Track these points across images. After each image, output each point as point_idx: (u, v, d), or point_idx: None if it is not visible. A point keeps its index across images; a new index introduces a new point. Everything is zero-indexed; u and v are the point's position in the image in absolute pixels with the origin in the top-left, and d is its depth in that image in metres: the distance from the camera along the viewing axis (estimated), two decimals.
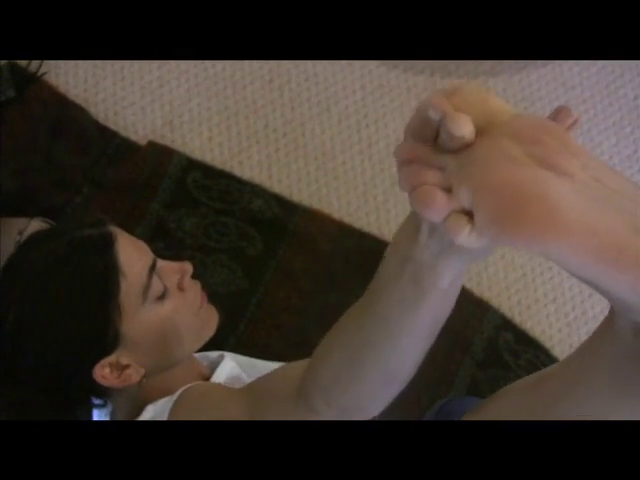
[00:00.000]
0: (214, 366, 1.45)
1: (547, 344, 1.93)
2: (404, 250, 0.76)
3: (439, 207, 0.61)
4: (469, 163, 0.62)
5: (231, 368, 1.44)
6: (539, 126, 0.63)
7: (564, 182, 0.60)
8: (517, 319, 1.95)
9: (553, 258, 0.60)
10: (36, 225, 1.59)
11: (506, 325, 1.94)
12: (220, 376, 1.41)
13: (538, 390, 0.87)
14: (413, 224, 0.74)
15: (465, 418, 0.99)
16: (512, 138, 0.62)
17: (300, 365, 0.99)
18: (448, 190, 0.62)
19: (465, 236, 0.61)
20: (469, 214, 0.61)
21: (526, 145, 0.62)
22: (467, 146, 0.63)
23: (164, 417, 1.20)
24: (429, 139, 0.65)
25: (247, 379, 1.41)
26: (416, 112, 0.65)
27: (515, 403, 0.90)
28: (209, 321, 1.42)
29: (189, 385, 1.24)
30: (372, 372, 0.86)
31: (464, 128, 0.63)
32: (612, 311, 0.75)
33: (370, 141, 2.04)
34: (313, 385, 0.93)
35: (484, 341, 1.90)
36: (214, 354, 1.52)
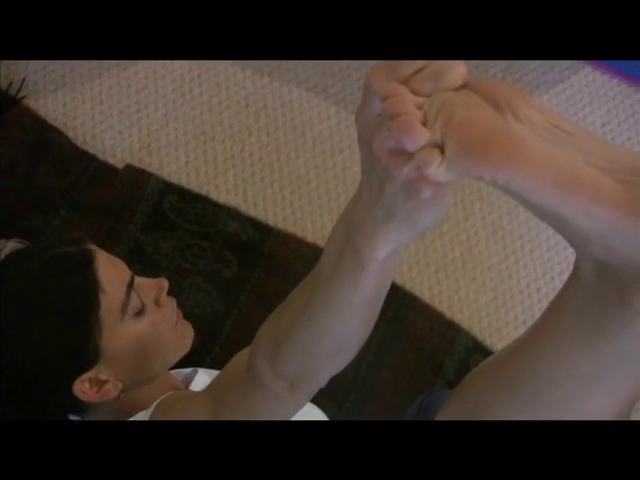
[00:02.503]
0: (188, 381, 1.47)
1: None
2: (350, 216, 0.79)
3: (417, 135, 0.65)
4: (443, 103, 0.67)
5: (205, 382, 1.45)
6: (498, 84, 0.70)
7: (524, 124, 0.67)
8: (488, 341, 1.97)
9: (515, 187, 0.65)
10: (12, 246, 1.59)
11: (477, 347, 1.95)
12: (194, 390, 1.42)
13: (512, 362, 0.88)
14: (362, 190, 0.77)
15: (444, 407, 1.00)
16: (476, 92, 0.69)
17: (245, 349, 1.04)
18: (423, 124, 0.66)
19: (435, 167, 0.65)
20: (440, 148, 0.65)
21: (488, 97, 0.68)
22: (441, 91, 0.69)
23: None
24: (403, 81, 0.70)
25: None
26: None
27: (491, 381, 0.91)
28: (185, 336, 1.44)
29: (162, 397, 1.25)
30: (317, 344, 0.90)
31: (458, 70, 0.69)
32: (575, 264, 0.78)
33: (344, 165, 2.06)
34: (259, 359, 0.96)
35: (455, 363, 1.91)
36: (187, 370, 1.53)
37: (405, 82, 0.70)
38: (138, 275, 1.38)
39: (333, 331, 0.88)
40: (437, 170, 0.65)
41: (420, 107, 0.68)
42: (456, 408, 0.97)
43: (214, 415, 1.06)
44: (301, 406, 1.02)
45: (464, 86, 0.70)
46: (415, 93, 0.69)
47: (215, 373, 1.48)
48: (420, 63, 0.70)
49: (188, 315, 1.49)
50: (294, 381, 0.96)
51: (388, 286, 0.86)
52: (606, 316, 0.76)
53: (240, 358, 1.05)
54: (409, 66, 0.70)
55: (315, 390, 0.99)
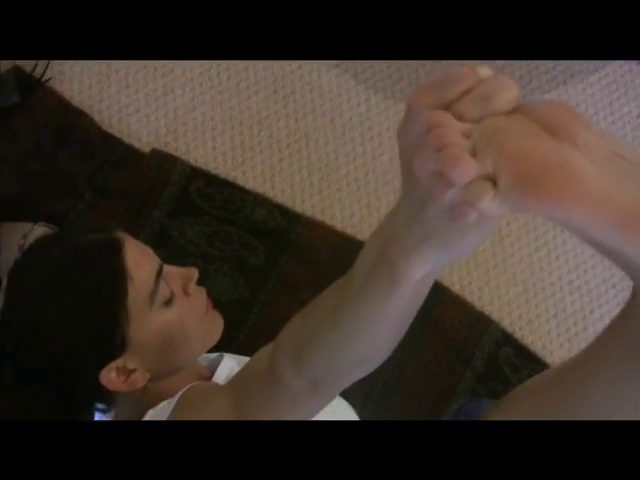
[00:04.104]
0: (214, 366, 1.45)
1: (548, 359, 1.93)
2: (387, 231, 0.76)
3: (466, 168, 0.61)
4: (493, 132, 0.63)
5: (231, 368, 1.44)
6: (552, 107, 0.64)
7: (583, 154, 0.62)
8: (518, 334, 1.95)
9: (573, 224, 0.61)
10: (40, 230, 1.59)
11: (507, 340, 1.93)
12: (220, 376, 1.41)
13: (562, 382, 0.86)
14: (402, 208, 0.74)
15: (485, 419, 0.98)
16: (528, 116, 0.64)
17: (269, 345, 1.01)
18: (472, 155, 0.62)
19: (488, 201, 0.61)
20: (492, 180, 0.61)
21: (542, 123, 0.63)
22: (490, 116, 0.64)
23: (164, 419, 1.20)
24: (445, 107, 0.66)
25: None
26: (444, 77, 0.66)
27: (538, 399, 0.90)
28: (214, 327, 1.42)
29: (187, 387, 1.24)
30: (342, 352, 0.87)
31: (510, 93, 0.64)
32: (633, 291, 0.75)
33: (374, 153, 2.04)
34: (282, 358, 0.94)
35: (485, 355, 1.89)
36: (213, 355, 1.51)
37: (450, 105, 0.65)
38: (164, 261, 1.36)
39: (360, 341, 0.86)
40: (489, 204, 0.62)
41: (467, 136, 0.63)
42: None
43: (235, 410, 1.04)
44: (323, 407, 1.00)
45: (515, 110, 0.65)
46: (461, 118, 0.64)
47: (242, 359, 1.49)
48: (467, 80, 0.64)
49: (214, 302, 1.46)
50: (316, 383, 0.94)
51: (421, 303, 0.83)
52: None
53: (263, 354, 1.03)
54: (455, 87, 0.65)
55: (337, 393, 0.98)
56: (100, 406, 1.36)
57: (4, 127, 1.89)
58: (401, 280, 0.75)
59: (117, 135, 1.99)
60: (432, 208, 0.68)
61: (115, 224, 1.34)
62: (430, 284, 0.81)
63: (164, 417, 1.20)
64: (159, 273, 1.31)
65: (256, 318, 1.87)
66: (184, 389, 1.23)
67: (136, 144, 2.00)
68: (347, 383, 0.93)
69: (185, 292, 1.36)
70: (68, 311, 1.25)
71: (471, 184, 0.62)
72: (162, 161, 1.97)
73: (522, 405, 0.92)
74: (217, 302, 1.46)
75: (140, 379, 1.30)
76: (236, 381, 1.11)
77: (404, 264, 0.74)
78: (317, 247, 1.93)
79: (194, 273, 1.38)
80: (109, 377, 1.27)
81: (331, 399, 0.99)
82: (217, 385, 1.28)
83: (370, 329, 0.83)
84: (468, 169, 0.61)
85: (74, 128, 1.95)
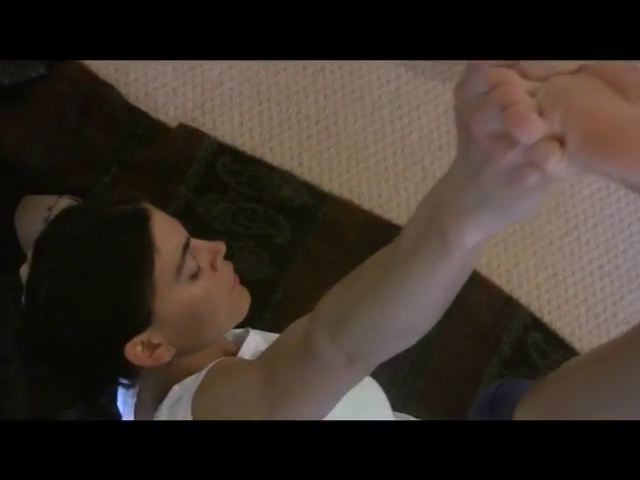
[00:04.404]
0: (239, 342, 1.43)
1: (576, 345, 1.91)
2: (438, 197, 0.73)
3: (534, 127, 0.58)
4: (561, 90, 0.60)
5: (257, 343, 1.41)
6: (621, 67, 0.62)
7: None
8: (546, 319, 1.93)
9: None
10: (65, 202, 1.56)
11: (535, 324, 1.92)
12: (246, 352, 1.39)
13: (607, 362, 0.84)
14: (455, 172, 0.71)
15: (526, 401, 0.96)
16: (595, 76, 0.62)
17: (306, 318, 0.99)
18: (539, 115, 0.59)
19: (556, 162, 0.59)
20: (559, 141, 0.59)
21: (611, 82, 0.61)
22: (556, 75, 0.62)
23: (190, 394, 1.18)
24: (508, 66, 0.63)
25: None
26: None
27: (581, 380, 0.87)
28: (241, 302, 1.40)
29: (214, 362, 1.22)
30: (384, 325, 0.85)
31: None
32: None
33: (403, 132, 2.01)
34: (319, 331, 0.92)
35: (513, 339, 1.88)
36: (239, 330, 1.49)
37: (515, 64, 0.63)
38: None
39: (403, 313, 0.83)
40: (557, 165, 0.59)
41: (533, 95, 0.61)
42: (540, 403, 0.93)
43: (266, 384, 1.03)
44: (357, 382, 0.98)
45: (581, 69, 0.62)
46: (525, 77, 0.62)
47: (268, 335, 1.47)
48: None
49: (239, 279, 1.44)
50: (353, 357, 0.91)
51: (469, 273, 0.80)
52: None
53: (297, 327, 1.01)
54: None
55: (373, 367, 0.95)
56: (124, 381, 1.35)
57: (30, 99, 1.87)
58: (453, 248, 0.73)
59: (144, 109, 1.97)
60: (490, 171, 0.65)
61: (142, 195, 1.32)
62: (479, 253, 0.78)
63: (190, 392, 1.18)
64: (186, 246, 1.29)
65: (281, 297, 1.85)
66: (211, 364, 1.21)
67: (163, 118, 1.97)
68: (385, 357, 0.91)
69: (212, 266, 1.34)
70: (93, 283, 1.23)
71: (538, 144, 0.59)
72: (189, 136, 1.95)
73: (566, 384, 0.90)
74: (242, 280, 1.44)
75: (165, 354, 1.28)
76: (267, 355, 1.09)
77: (457, 231, 0.71)
78: (344, 226, 1.91)
79: (221, 247, 1.36)
80: (134, 351, 1.25)
81: (366, 374, 0.97)
82: (246, 360, 1.26)
83: (415, 300, 0.81)
84: (536, 128, 0.58)
85: (100, 101, 1.93)
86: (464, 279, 0.80)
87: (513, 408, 0.98)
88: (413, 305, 0.82)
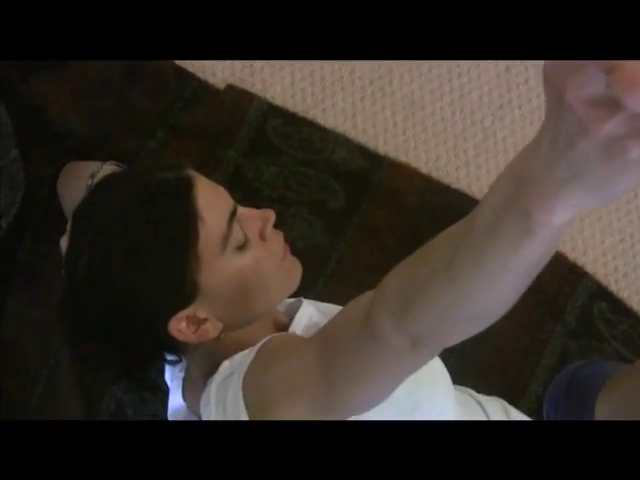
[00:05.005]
0: (292, 312, 1.38)
1: None
2: (520, 173, 0.67)
3: None
4: None
5: (310, 314, 1.36)
6: None
7: None
8: (613, 287, 1.87)
9: None
10: (109, 169, 1.52)
11: (601, 293, 1.85)
12: (299, 324, 1.33)
13: None
14: (542, 145, 0.64)
15: (616, 383, 0.89)
16: None
17: (368, 295, 0.93)
18: None
19: None
20: None
21: None
22: None
23: (242, 371, 1.13)
24: None
25: None
26: None
27: None
28: (292, 273, 1.34)
29: (267, 338, 1.17)
30: (457, 308, 0.80)
31: None
32: None
33: (462, 91, 1.96)
34: (383, 313, 0.87)
35: (577, 309, 1.82)
36: (290, 300, 1.44)
37: None
38: (238, 204, 1.28)
39: (478, 296, 0.77)
40: None
41: None
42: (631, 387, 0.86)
43: (323, 362, 0.98)
44: (422, 365, 0.93)
45: None
46: None
47: (322, 305, 1.42)
48: None
49: (290, 248, 1.38)
50: (420, 341, 0.86)
51: (552, 254, 0.73)
52: None
53: (358, 305, 0.95)
54: None
55: (439, 351, 0.90)
56: (169, 357, 1.31)
57: (72, 63, 1.82)
58: (537, 229, 0.66)
59: (190, 70, 1.92)
60: (585, 144, 0.58)
61: (186, 162, 1.26)
62: (563, 233, 0.71)
63: (242, 370, 1.13)
64: (233, 215, 1.23)
65: (335, 265, 1.82)
66: (264, 339, 1.16)
67: (210, 80, 1.93)
68: (454, 342, 0.86)
69: (261, 236, 1.28)
70: (134, 254, 1.17)
71: None
72: (238, 98, 1.91)
73: None
74: (294, 248, 1.40)
75: (212, 329, 1.22)
76: (325, 335, 1.03)
77: (543, 210, 0.65)
78: (400, 191, 1.87)
79: (270, 215, 1.30)
80: (179, 327, 1.19)
81: (432, 357, 0.91)
82: (301, 337, 1.20)
83: (493, 283, 0.75)
84: None
85: (145, 63, 1.88)
86: (547, 260, 0.73)
87: (593, 396, 0.91)
88: (490, 288, 0.76)
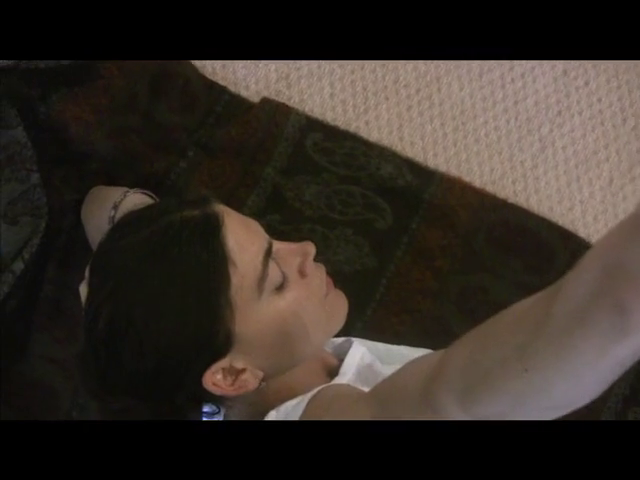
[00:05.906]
0: (341, 353, 1.31)
1: None
2: (618, 256, 0.62)
3: None
4: None
5: (362, 355, 1.29)
6: None
7: None
8: None
9: None
10: (134, 198, 1.47)
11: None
12: (350, 366, 1.26)
13: None
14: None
15: None
16: None
17: (429, 361, 0.90)
18: None
19: None
20: None
21: None
22: None
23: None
24: None
25: (381, 366, 1.30)
26: None
27: None
28: (337, 310, 1.26)
29: (318, 389, 1.12)
30: (531, 399, 0.76)
31: None
32: None
33: (516, 98, 1.93)
34: (444, 392, 0.84)
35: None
36: (339, 339, 1.37)
37: None
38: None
39: (558, 389, 0.73)
40: None
41: None
42: None
43: None
44: None
45: None
46: None
47: (373, 345, 1.38)
48: None
49: (336, 273, 1.31)
50: (484, 418, 0.82)
51: None
52: None
53: (418, 370, 0.91)
54: None
55: None
56: (207, 409, 1.22)
57: (95, 78, 1.77)
58: (633, 329, 0.62)
59: (222, 83, 1.89)
60: None
61: (213, 196, 1.18)
62: None
63: (294, 416, 1.10)
64: (268, 253, 1.14)
65: (385, 290, 1.76)
66: (316, 390, 1.12)
67: (244, 93, 1.90)
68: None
69: (301, 273, 1.19)
70: (158, 307, 1.09)
71: None
72: (273, 112, 1.87)
73: None
74: (339, 273, 1.37)
75: (251, 380, 1.14)
76: (383, 394, 0.98)
77: None
78: (453, 208, 1.82)
79: (310, 249, 1.21)
80: (214, 380, 1.11)
81: None
82: (356, 391, 1.14)
83: (577, 378, 0.71)
84: None
85: (173, 76, 1.84)
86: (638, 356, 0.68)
87: None
88: (573, 382, 0.72)
